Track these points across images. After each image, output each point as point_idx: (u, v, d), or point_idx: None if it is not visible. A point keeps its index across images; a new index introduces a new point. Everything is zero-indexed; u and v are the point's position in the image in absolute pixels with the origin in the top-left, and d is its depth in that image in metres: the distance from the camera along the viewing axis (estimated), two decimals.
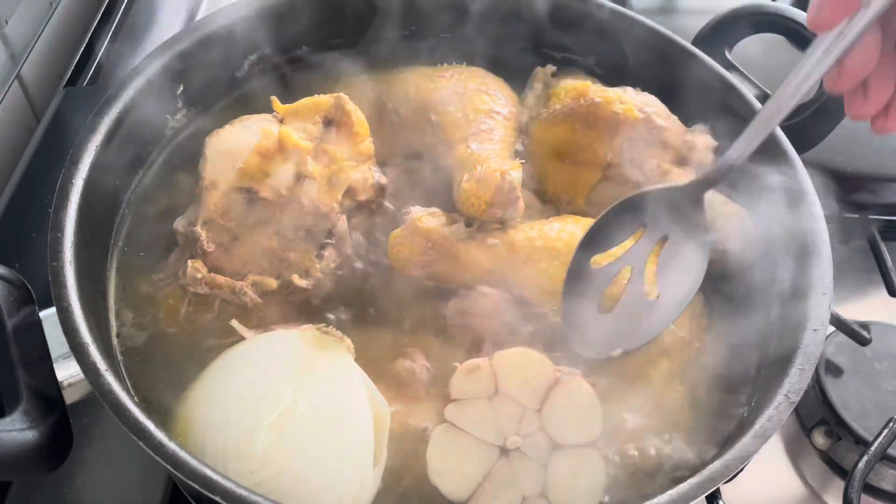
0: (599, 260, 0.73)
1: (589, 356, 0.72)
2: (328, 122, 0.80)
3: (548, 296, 0.74)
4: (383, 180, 0.83)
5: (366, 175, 0.81)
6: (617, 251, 0.73)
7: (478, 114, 0.85)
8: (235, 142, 0.77)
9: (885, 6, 0.55)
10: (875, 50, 0.58)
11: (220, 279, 0.74)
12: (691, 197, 0.73)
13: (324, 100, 0.81)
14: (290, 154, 0.77)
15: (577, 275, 0.73)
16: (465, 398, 0.68)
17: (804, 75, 0.61)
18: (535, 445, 0.67)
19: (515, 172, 0.76)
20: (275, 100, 0.80)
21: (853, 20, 0.56)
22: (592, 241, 0.73)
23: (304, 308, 0.77)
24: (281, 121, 0.80)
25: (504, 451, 0.67)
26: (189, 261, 0.74)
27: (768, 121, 0.66)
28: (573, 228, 0.76)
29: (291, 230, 0.77)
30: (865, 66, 0.59)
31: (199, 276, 0.74)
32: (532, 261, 0.75)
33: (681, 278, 0.73)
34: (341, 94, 0.81)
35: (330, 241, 0.78)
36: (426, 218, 0.76)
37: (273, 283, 0.76)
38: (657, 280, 0.73)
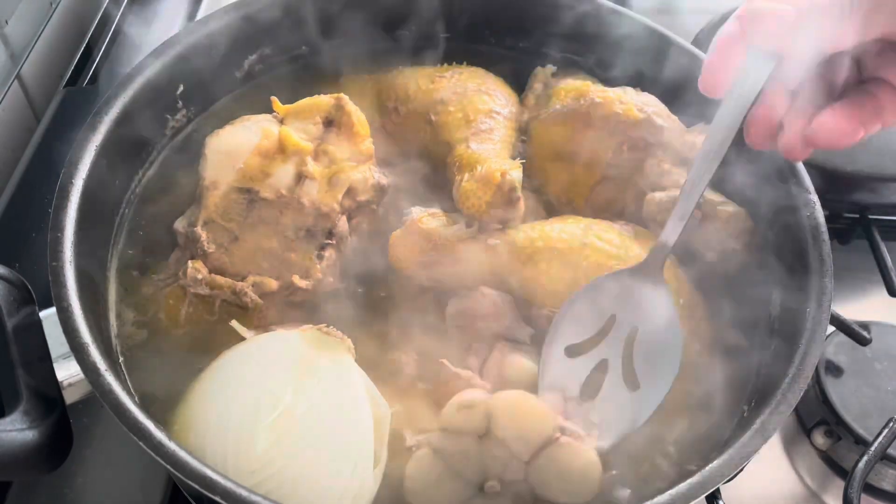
0: (573, 351, 0.72)
1: None
2: (328, 123, 0.80)
3: (549, 296, 0.74)
4: (384, 181, 0.83)
5: (366, 175, 0.81)
6: (589, 344, 0.72)
7: (478, 114, 0.85)
8: (235, 142, 0.77)
9: (768, 72, 0.59)
10: (779, 98, 0.61)
11: (221, 280, 0.74)
12: (648, 278, 0.71)
13: (324, 100, 0.81)
14: (291, 154, 0.77)
15: (550, 367, 0.71)
16: (454, 431, 0.66)
17: (716, 142, 0.64)
18: (515, 495, 0.65)
19: (515, 172, 0.76)
20: (275, 100, 0.80)
21: (744, 85, 0.60)
22: (560, 332, 0.72)
23: (304, 308, 0.77)
24: (281, 121, 0.80)
25: (481, 491, 0.65)
26: (189, 261, 0.74)
27: (691, 194, 0.67)
28: (573, 229, 0.76)
29: (292, 230, 0.77)
30: (773, 116, 0.62)
31: (200, 276, 0.74)
32: (533, 261, 0.75)
33: (658, 366, 0.70)
34: (341, 94, 0.81)
35: (330, 241, 0.78)
36: (426, 219, 0.76)
37: (273, 284, 0.76)
38: (635, 371, 0.71)
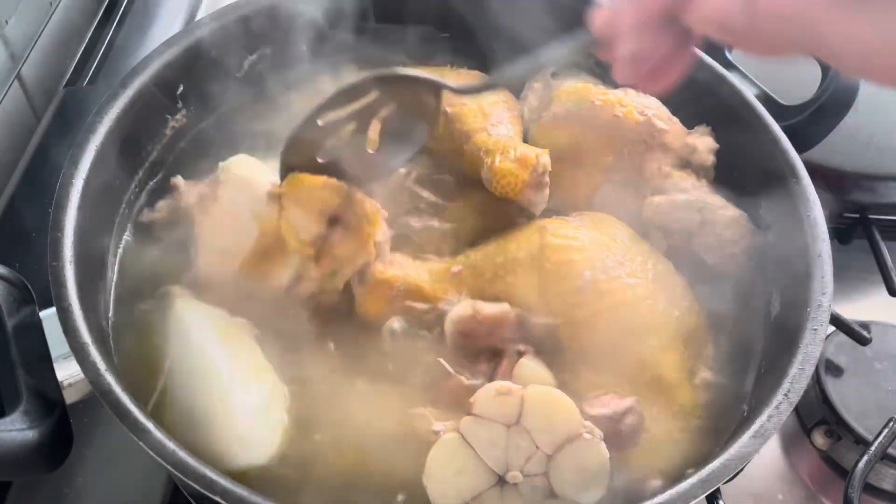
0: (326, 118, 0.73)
1: None
2: (334, 221, 0.73)
3: (528, 307, 0.74)
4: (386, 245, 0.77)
5: (368, 260, 0.75)
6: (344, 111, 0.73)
7: (492, 106, 0.85)
8: (231, 237, 0.74)
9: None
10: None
11: None
12: (432, 92, 0.73)
13: (329, 196, 0.73)
14: (291, 253, 0.73)
15: (301, 137, 0.73)
16: (486, 417, 0.66)
17: None
18: (533, 488, 0.65)
19: (545, 157, 0.77)
20: (275, 186, 0.75)
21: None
22: (327, 107, 0.73)
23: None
24: (279, 197, 0.73)
25: (501, 482, 0.65)
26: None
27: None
28: (529, 235, 0.76)
29: None
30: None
31: None
32: (498, 276, 0.75)
33: (402, 140, 0.75)
34: (347, 187, 0.74)
35: None
36: (380, 269, 0.75)
37: None
38: (378, 136, 0.74)
